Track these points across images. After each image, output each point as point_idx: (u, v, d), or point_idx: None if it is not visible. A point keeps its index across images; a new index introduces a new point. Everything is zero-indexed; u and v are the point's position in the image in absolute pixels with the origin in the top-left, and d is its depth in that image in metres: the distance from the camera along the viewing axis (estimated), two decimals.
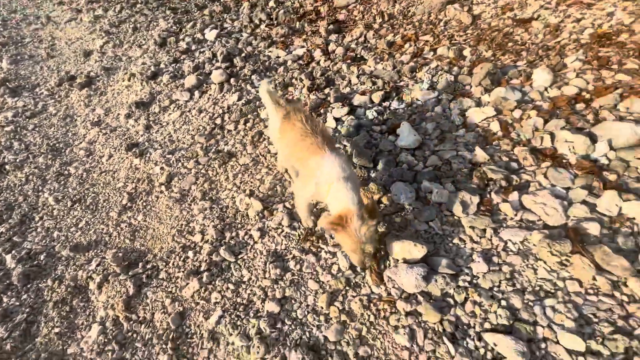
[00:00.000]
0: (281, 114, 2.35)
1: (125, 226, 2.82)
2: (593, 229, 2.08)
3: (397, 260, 2.10)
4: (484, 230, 2.20)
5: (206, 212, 2.74)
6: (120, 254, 2.56)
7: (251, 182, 2.88)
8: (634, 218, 2.12)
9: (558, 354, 1.66)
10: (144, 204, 2.99)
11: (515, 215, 2.26)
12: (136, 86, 4.62)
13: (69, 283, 2.43)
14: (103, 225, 2.87)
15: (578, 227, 2.11)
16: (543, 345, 1.71)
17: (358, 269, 2.12)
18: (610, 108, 2.76)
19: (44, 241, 2.80)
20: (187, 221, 2.72)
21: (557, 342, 1.70)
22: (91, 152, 3.75)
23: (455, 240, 2.20)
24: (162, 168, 3.24)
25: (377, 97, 3.51)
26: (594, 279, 1.88)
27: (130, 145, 3.64)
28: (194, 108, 3.98)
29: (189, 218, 2.75)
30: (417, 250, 2.06)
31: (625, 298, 1.79)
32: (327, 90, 3.73)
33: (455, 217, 2.32)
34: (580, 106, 2.89)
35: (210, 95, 4.12)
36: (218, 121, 3.67)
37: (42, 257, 2.65)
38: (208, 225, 2.62)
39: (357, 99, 3.56)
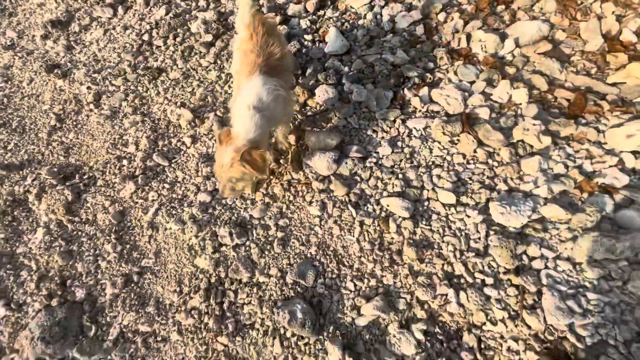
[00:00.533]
0: (247, 20, 2.14)
1: (57, 144, 2.85)
2: (483, 113, 2.42)
3: (314, 150, 2.37)
4: (394, 121, 2.49)
5: (138, 125, 2.81)
6: (55, 169, 2.65)
7: (182, 95, 2.92)
8: (520, 104, 2.47)
9: (435, 208, 2.09)
10: (74, 123, 2.98)
11: (423, 107, 2.54)
12: (50, 4, 4.15)
13: (7, 197, 2.53)
14: (34, 146, 2.88)
15: (471, 112, 2.45)
16: (426, 203, 2.13)
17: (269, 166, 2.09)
18: (527, 9, 2.94)
19: None
20: (120, 135, 2.80)
21: (437, 200, 2.12)
22: (9, 78, 3.52)
23: (369, 132, 2.48)
24: (88, 87, 3.16)
25: (311, 5, 3.46)
26: (475, 151, 2.26)
27: (50, 67, 3.44)
28: (119, 25, 3.72)
29: (121, 132, 2.81)
30: (331, 140, 2.33)
31: (495, 164, 2.21)
32: (261, 1, 3.59)
33: (371, 112, 2.57)
34: (500, 8, 3.05)
35: (135, 10, 3.83)
36: (146, 37, 3.50)
37: None
38: (141, 137, 2.72)
39: (292, 9, 3.49)
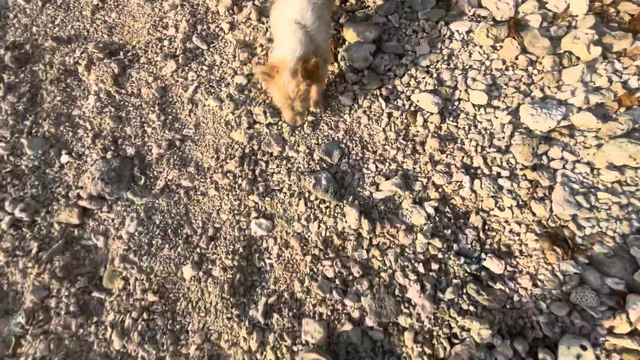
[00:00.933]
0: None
1: (101, 23, 2.96)
2: (534, 21, 2.31)
3: (351, 42, 2.38)
4: (437, 22, 2.42)
5: (177, 9, 2.85)
6: (101, 45, 2.79)
7: None
8: (576, 15, 2.32)
9: (465, 108, 2.14)
10: (116, 3, 3.04)
11: (470, 10, 2.44)
12: None
13: (59, 67, 2.74)
14: (79, 23, 3.00)
15: (520, 19, 2.34)
16: (456, 103, 2.18)
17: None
18: None
19: (25, 35, 2.97)
20: (160, 17, 2.86)
21: (468, 100, 2.16)
22: None
23: (409, 32, 2.44)
24: None
25: None
26: (516, 58, 2.22)
27: None
28: None
29: (161, 15, 2.87)
30: (369, 32, 2.33)
31: (535, 72, 2.18)
32: None
33: (414, 12, 2.49)
34: None
35: None
36: None
37: (27, 47, 2.88)
38: (180, 20, 2.77)
39: None
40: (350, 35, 2.37)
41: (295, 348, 1.69)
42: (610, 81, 2.09)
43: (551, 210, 1.81)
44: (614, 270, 1.66)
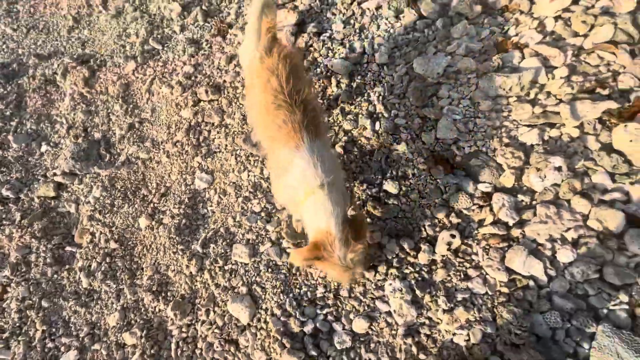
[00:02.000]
0: (260, 51, 1.82)
1: (75, 40, 3.58)
2: None
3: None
4: (351, 3, 2.94)
5: (138, 20, 3.45)
6: (75, 56, 3.39)
7: None
8: None
9: (372, 68, 2.60)
10: (87, 22, 3.68)
11: None
12: None
13: (40, 77, 3.33)
14: (57, 41, 3.63)
15: None
16: (365, 65, 2.64)
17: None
18: None
19: (12, 56, 3.60)
20: (124, 29, 3.47)
21: (374, 62, 2.62)
22: None
23: (329, 15, 2.96)
24: None
25: None
26: (415, 23, 2.69)
27: None
28: None
29: (125, 27, 3.48)
30: (291, 17, 2.85)
31: (430, 32, 2.63)
32: None
33: None
34: None
35: None
36: None
37: (14, 65, 3.49)
38: (140, 29, 3.37)
39: None
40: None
41: (225, 266, 2.09)
42: (493, 33, 2.53)
43: (436, 137, 2.22)
44: (484, 177, 2.04)
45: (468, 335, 1.69)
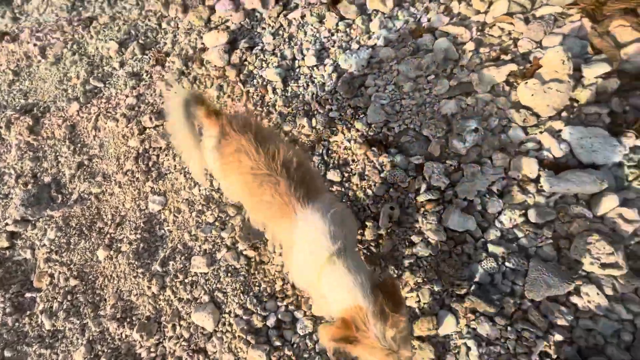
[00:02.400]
0: (213, 141, 1.61)
1: (17, 92, 3.63)
2: None
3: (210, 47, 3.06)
4: (278, 16, 3.15)
5: (77, 63, 3.55)
6: (18, 107, 3.43)
7: (111, 34, 3.63)
8: None
9: (303, 71, 2.78)
10: (28, 73, 3.74)
11: (302, 1, 3.18)
12: None
13: None
14: None
15: None
16: (297, 70, 2.82)
17: None
18: None
19: None
20: (64, 74, 3.55)
21: (305, 65, 2.81)
22: None
23: (259, 30, 3.16)
24: (34, 44, 3.89)
25: None
26: (337, 25, 2.92)
27: (1, 35, 4.17)
28: None
29: (65, 71, 3.56)
30: (222, 37, 3.02)
31: (352, 31, 2.86)
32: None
33: (259, 13, 3.23)
34: None
35: None
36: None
37: None
38: (80, 70, 3.46)
39: None
40: (208, 40, 3.07)
41: (186, 280, 2.15)
42: (407, 22, 2.78)
43: (368, 123, 2.39)
44: (414, 150, 2.22)
45: (418, 296, 1.81)
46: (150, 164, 2.72)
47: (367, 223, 2.07)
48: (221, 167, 1.62)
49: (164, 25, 3.54)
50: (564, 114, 2.11)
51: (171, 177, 2.61)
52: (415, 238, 1.97)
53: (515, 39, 2.46)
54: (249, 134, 1.53)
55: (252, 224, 2.02)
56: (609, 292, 1.61)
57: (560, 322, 1.61)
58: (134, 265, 2.30)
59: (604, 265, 1.61)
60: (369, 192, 2.18)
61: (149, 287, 2.19)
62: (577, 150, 1.96)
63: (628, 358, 1.48)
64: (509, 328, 1.63)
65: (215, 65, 3.02)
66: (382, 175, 2.21)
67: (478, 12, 2.64)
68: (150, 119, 2.88)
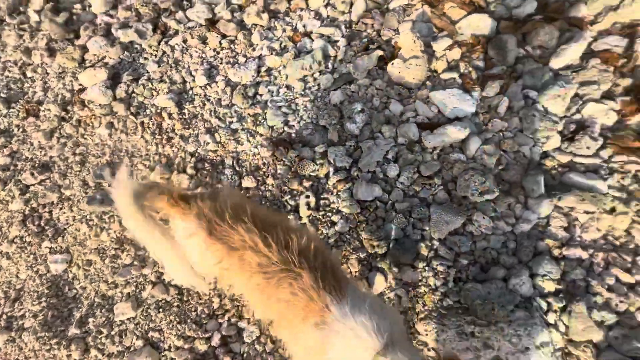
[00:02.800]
0: (202, 237, 1.29)
1: None
2: (225, 15, 3.17)
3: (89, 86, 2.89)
4: (159, 44, 3.12)
5: None
6: None
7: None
8: (252, 2, 3.26)
9: (197, 92, 2.80)
10: None
11: (180, 27, 3.21)
12: None
13: None
14: None
15: (215, 17, 3.18)
16: (190, 92, 2.83)
17: None
18: None
19: None
20: None
21: (196, 86, 2.83)
22: None
23: (142, 60, 3.08)
24: None
25: None
26: (221, 43, 3.01)
27: None
28: None
29: None
30: (100, 74, 2.89)
31: (236, 46, 2.99)
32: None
33: (137, 44, 3.16)
34: None
35: None
36: None
37: None
38: None
39: None
40: (85, 80, 2.90)
41: (112, 332, 1.96)
42: (285, 30, 3.01)
43: (269, 126, 2.52)
44: (316, 140, 2.40)
45: (349, 267, 1.95)
46: (43, 222, 2.43)
47: (289, 217, 2.16)
48: (219, 272, 1.33)
49: (29, 73, 3.22)
50: (428, 83, 2.52)
51: (71, 230, 2.37)
52: (335, 217, 2.13)
53: (377, 30, 2.86)
54: (247, 222, 1.23)
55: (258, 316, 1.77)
56: (491, 213, 1.97)
57: (463, 249, 1.90)
58: (45, 338, 2.01)
59: (482, 194, 1.96)
60: (285, 188, 2.29)
61: (69, 356, 1.94)
62: (443, 109, 2.35)
63: (515, 260, 1.82)
64: (426, 268, 1.86)
65: (99, 104, 2.86)
66: (292, 170, 2.33)
67: (343, 13, 3.00)
68: (32, 174, 2.59)
